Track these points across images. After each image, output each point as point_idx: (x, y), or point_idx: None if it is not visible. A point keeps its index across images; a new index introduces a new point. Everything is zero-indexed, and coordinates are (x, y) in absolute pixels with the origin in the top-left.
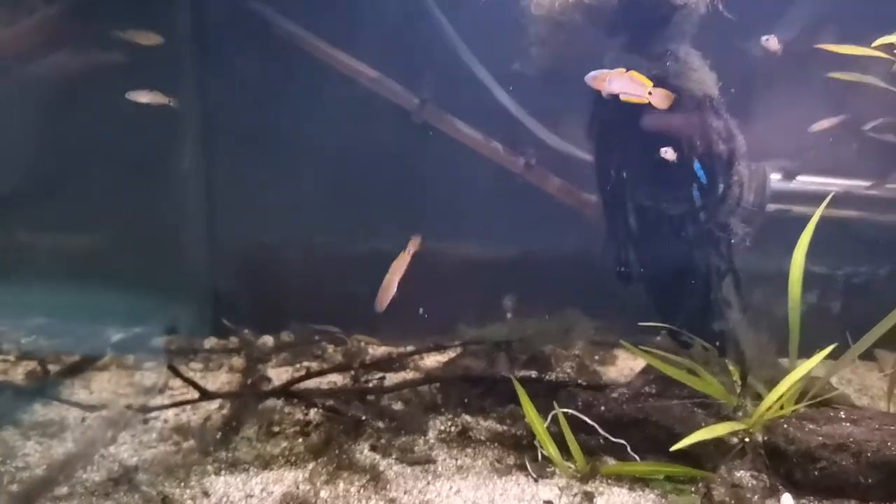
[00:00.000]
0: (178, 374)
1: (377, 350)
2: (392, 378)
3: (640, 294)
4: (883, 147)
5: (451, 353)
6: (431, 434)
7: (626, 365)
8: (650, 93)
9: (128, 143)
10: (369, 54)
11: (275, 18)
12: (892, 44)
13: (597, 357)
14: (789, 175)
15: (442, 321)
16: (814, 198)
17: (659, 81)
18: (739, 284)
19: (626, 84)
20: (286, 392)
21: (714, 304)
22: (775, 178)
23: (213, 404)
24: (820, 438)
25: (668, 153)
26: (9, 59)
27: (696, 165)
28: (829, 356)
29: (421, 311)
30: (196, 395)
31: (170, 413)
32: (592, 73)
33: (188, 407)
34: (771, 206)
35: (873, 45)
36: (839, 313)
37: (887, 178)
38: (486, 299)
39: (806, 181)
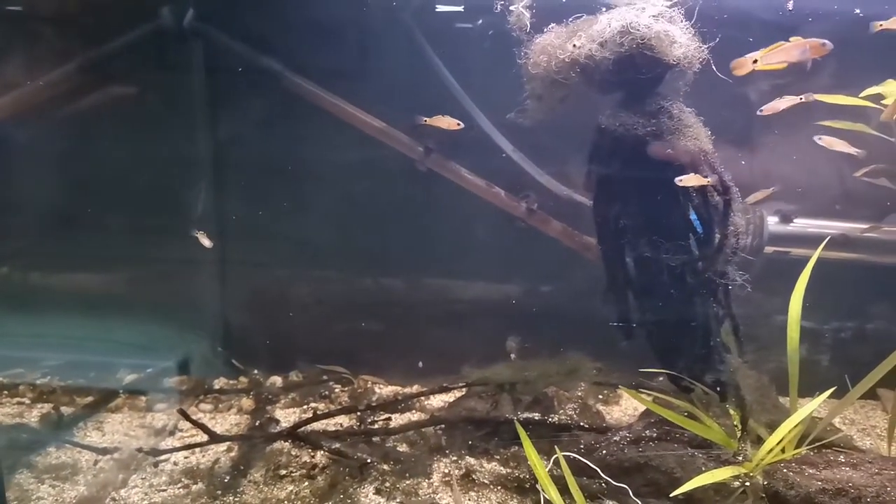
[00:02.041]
0: (187, 418)
1: (384, 389)
2: (397, 419)
3: (640, 340)
4: (879, 191)
5: (456, 394)
6: (436, 477)
7: (630, 405)
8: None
9: (145, 188)
10: (377, 105)
11: (284, 72)
12: (879, 94)
13: (601, 396)
14: (786, 218)
15: (448, 360)
16: (812, 241)
17: (654, 138)
18: (738, 329)
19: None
20: (293, 434)
21: (714, 349)
22: (773, 222)
23: (223, 446)
24: (819, 483)
25: (684, 181)
26: (31, 111)
27: (693, 216)
28: (834, 396)
29: (420, 364)
30: (206, 437)
31: (180, 455)
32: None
33: (198, 449)
34: (769, 249)
35: (861, 94)
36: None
37: (883, 221)
38: (490, 338)
39: (803, 224)
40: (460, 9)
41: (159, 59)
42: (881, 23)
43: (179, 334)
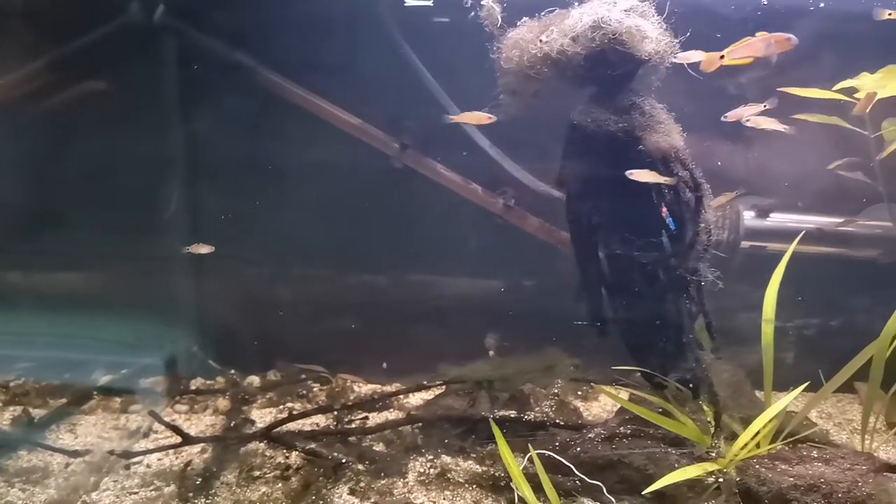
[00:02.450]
0: (159, 419)
1: (363, 388)
2: (375, 418)
3: (615, 337)
4: (855, 185)
5: (435, 392)
6: (411, 476)
7: (609, 400)
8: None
9: (117, 185)
10: (353, 102)
11: (258, 68)
12: (853, 87)
13: (580, 392)
14: (763, 213)
15: (428, 357)
16: (788, 235)
17: (626, 134)
18: (711, 326)
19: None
20: (268, 435)
21: (687, 346)
22: (749, 216)
23: (196, 448)
24: (791, 479)
25: (634, 175)
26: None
27: (665, 213)
28: (811, 390)
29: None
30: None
31: (153, 458)
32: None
33: (171, 451)
34: (746, 244)
35: (835, 88)
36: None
37: (859, 215)
38: (470, 335)
39: (780, 219)
40: (429, 3)
41: (129, 54)
42: (890, 12)
43: (155, 334)
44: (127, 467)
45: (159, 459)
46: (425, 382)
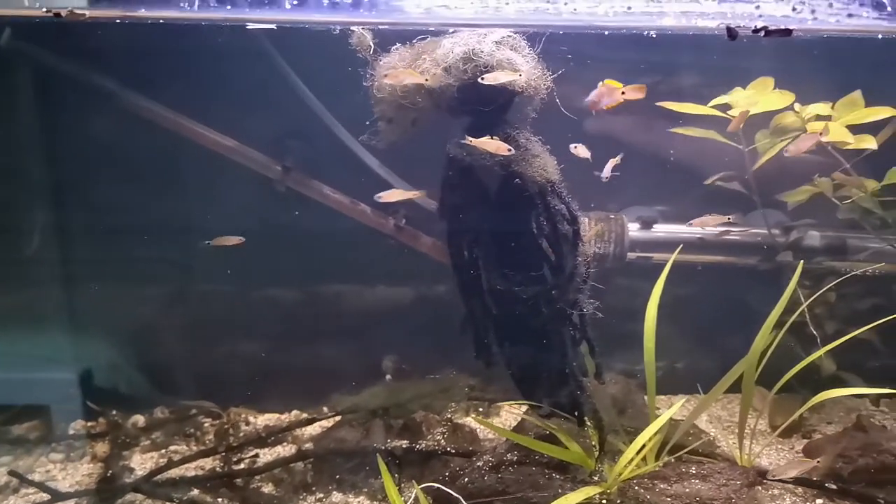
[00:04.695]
0: (21, 478)
1: (257, 418)
2: (267, 453)
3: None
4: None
5: (328, 423)
6: None
7: (510, 418)
8: (623, 93)
9: None
10: (230, 125)
11: (121, 91)
12: (727, 104)
13: (481, 409)
14: (647, 224)
15: (326, 380)
16: (672, 245)
17: (502, 167)
18: (594, 351)
19: (604, 94)
20: (148, 483)
21: (570, 375)
22: (634, 228)
23: (70, 502)
24: (668, 499)
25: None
26: None
27: (544, 246)
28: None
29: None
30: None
31: None
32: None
33: None
34: (632, 255)
35: (710, 104)
36: None
37: (737, 223)
38: (372, 355)
39: (664, 229)
40: (273, 27)
41: None
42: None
43: (26, 374)
44: None
45: None
46: (316, 416)
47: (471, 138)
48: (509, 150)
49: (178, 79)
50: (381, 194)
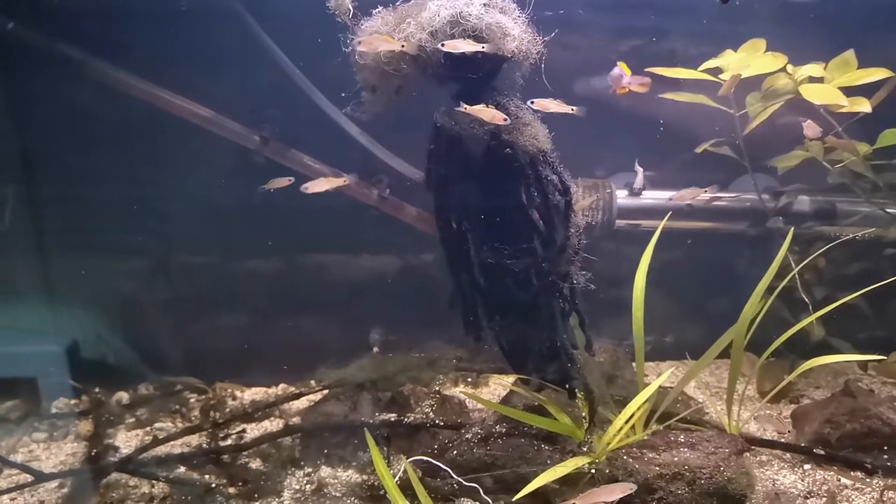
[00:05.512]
0: (3, 461)
1: (244, 393)
2: (254, 428)
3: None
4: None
5: (316, 396)
6: (287, 494)
7: (498, 388)
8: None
9: None
10: (207, 95)
11: (88, 60)
12: (718, 67)
13: (469, 379)
14: (636, 191)
15: (314, 353)
16: (660, 212)
17: (492, 136)
18: (584, 324)
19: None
20: (133, 462)
21: (561, 347)
22: (622, 196)
23: (53, 483)
24: (657, 468)
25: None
26: None
27: (535, 218)
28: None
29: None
30: None
31: (4, 498)
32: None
33: (25, 490)
34: (620, 223)
35: (700, 68)
36: None
37: (726, 189)
38: (359, 327)
39: (652, 196)
40: None
41: None
42: None
43: (7, 357)
44: None
45: (12, 500)
46: (303, 390)
47: (466, 105)
48: (505, 120)
49: (147, 44)
50: (308, 185)
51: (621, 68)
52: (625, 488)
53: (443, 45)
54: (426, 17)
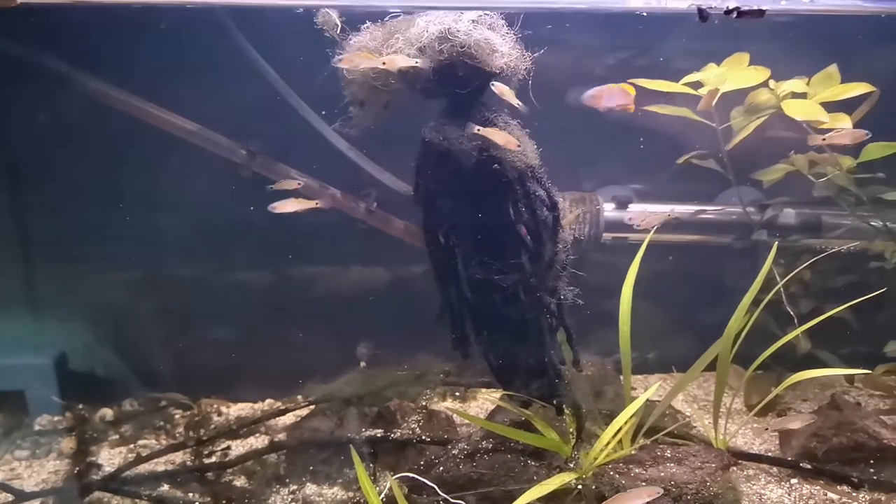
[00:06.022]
0: None
1: (230, 408)
2: (239, 445)
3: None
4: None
5: (302, 412)
6: None
7: (487, 403)
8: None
9: None
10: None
11: (72, 74)
12: (698, 81)
13: (457, 393)
14: (622, 204)
15: (301, 367)
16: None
17: (480, 152)
18: (571, 339)
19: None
20: (116, 480)
21: (548, 363)
22: (609, 208)
23: (35, 502)
24: (643, 484)
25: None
26: None
27: (523, 233)
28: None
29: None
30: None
31: None
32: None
33: None
34: (608, 236)
35: (682, 81)
36: None
37: (713, 202)
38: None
39: (639, 209)
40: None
41: None
42: None
43: None
44: None
45: None
46: (289, 406)
47: (478, 127)
48: (518, 146)
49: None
50: (275, 205)
51: (607, 88)
52: (651, 492)
53: (384, 63)
54: (414, 33)
